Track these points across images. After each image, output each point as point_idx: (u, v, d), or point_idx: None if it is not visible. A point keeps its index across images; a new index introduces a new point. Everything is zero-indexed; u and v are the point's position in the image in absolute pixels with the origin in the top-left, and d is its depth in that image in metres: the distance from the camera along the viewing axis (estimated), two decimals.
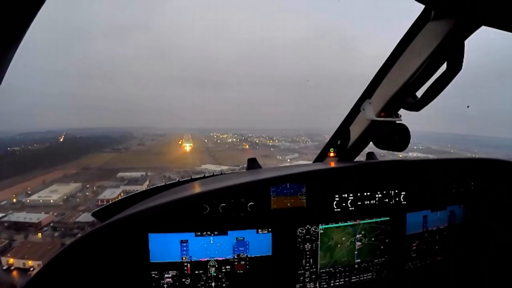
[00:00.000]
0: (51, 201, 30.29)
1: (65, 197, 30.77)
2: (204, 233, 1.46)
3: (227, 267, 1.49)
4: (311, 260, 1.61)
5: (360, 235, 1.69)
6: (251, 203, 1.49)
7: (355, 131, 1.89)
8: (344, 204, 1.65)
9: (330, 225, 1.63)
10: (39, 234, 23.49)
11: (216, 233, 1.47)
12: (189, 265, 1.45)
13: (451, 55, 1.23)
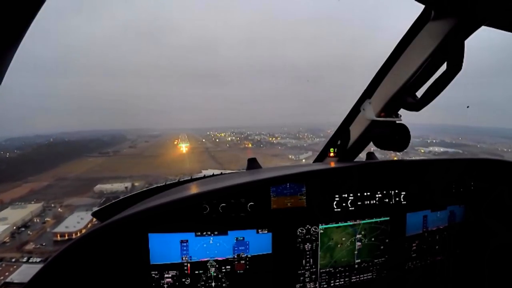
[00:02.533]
0: None
1: (14, 227, 21.49)
2: (204, 233, 1.46)
3: (227, 267, 1.49)
4: (311, 260, 1.61)
5: (360, 235, 1.69)
6: (251, 203, 1.49)
7: (355, 131, 1.89)
8: (344, 204, 1.65)
9: (330, 225, 1.63)
10: None
11: (216, 233, 1.47)
12: (189, 265, 1.45)
13: (451, 55, 1.23)
